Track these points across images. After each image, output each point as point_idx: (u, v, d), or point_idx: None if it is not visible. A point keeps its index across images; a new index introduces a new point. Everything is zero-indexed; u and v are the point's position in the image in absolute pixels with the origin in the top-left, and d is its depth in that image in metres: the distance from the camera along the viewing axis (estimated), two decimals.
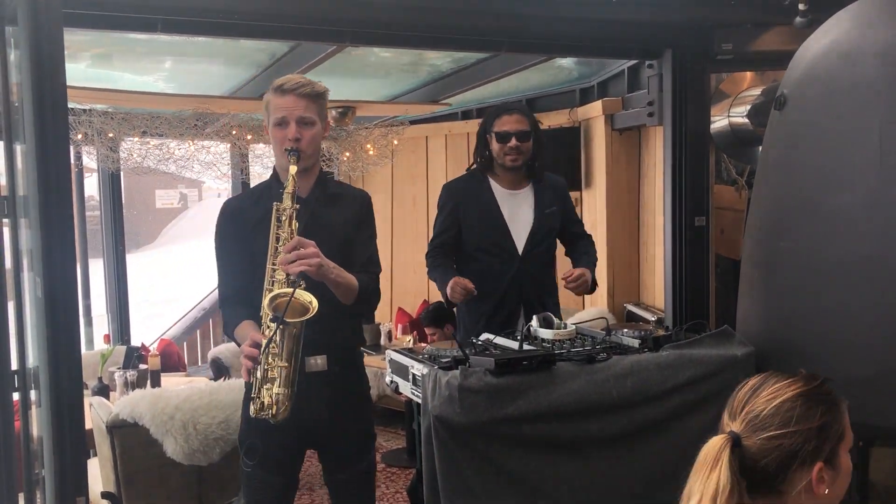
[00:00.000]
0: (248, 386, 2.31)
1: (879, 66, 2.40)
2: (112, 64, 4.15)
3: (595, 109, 4.95)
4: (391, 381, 2.69)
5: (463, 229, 3.21)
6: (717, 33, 3.79)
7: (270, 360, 2.11)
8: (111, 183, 5.76)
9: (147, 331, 7.87)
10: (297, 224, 2.21)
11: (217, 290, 2.43)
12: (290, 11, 3.06)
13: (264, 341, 2.09)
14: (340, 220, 2.35)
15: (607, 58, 4.38)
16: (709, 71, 3.95)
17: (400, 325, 5.78)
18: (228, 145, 4.79)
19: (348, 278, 2.28)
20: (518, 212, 3.20)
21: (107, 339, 4.66)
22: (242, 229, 2.35)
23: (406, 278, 6.54)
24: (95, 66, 4.14)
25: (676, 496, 2.51)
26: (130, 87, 4.41)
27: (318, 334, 2.23)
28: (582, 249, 3.38)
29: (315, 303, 2.13)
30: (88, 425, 3.23)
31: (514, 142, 3.16)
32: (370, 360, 5.53)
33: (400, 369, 2.61)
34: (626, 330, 2.77)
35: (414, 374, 2.49)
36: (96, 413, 3.17)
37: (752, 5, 3.62)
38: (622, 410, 2.40)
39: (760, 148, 3.09)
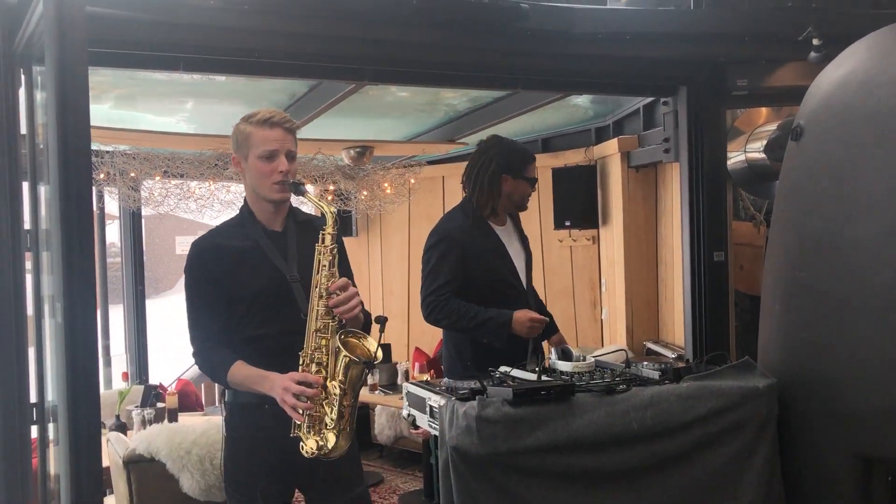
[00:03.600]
0: (237, 423, 2.31)
1: None
2: (135, 105, 4.23)
3: (611, 147, 4.98)
4: (408, 415, 2.66)
5: (469, 273, 3.07)
6: (731, 69, 3.82)
7: (345, 401, 2.17)
8: (132, 226, 5.83)
9: (165, 374, 7.91)
10: (335, 267, 2.23)
11: (192, 336, 2.34)
12: (310, 50, 3.12)
13: (339, 383, 2.15)
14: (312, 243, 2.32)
15: (622, 95, 4.42)
16: (724, 107, 3.98)
17: (417, 364, 5.76)
18: None
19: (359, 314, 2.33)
20: (515, 248, 3.22)
21: (125, 377, 4.67)
22: (219, 267, 2.30)
23: (422, 319, 6.52)
24: (118, 108, 4.23)
25: None
26: (152, 128, 4.49)
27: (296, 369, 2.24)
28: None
29: (380, 352, 2.21)
30: (106, 463, 3.23)
31: (535, 187, 3.27)
32: (387, 400, 5.51)
33: (417, 402, 2.59)
34: (645, 363, 2.74)
35: (431, 406, 2.47)
36: (113, 448, 3.16)
37: (766, 41, 3.65)
38: (643, 443, 2.36)
39: (777, 182, 3.08)
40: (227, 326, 2.30)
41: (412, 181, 5.62)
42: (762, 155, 3.99)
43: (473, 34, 3.24)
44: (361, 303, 2.32)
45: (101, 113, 4.21)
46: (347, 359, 2.14)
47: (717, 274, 3.94)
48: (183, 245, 26.96)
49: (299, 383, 2.14)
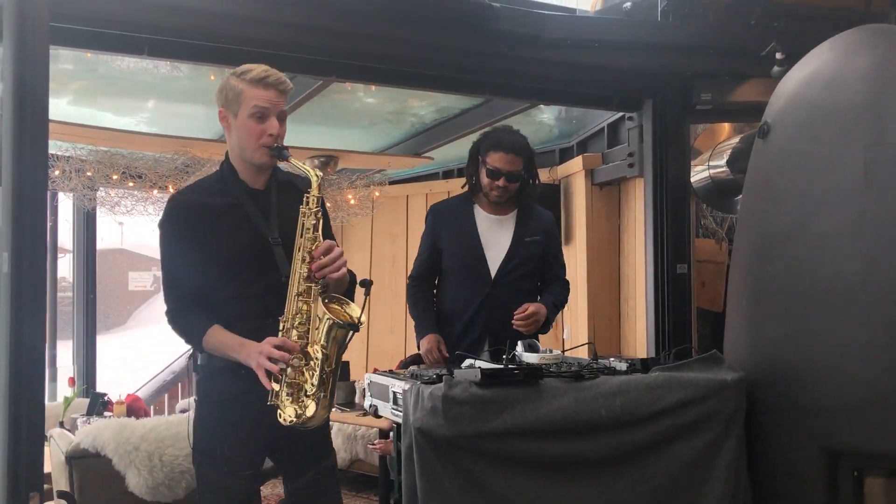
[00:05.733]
0: (210, 388, 2.22)
1: (861, 91, 2.44)
2: (94, 102, 4.13)
3: (575, 165, 4.99)
4: (370, 405, 2.59)
5: (442, 251, 3.19)
6: (696, 84, 3.88)
7: (326, 366, 2.07)
8: (86, 227, 5.64)
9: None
10: (322, 229, 2.15)
11: (167, 295, 2.23)
12: (279, 38, 3.08)
13: (321, 348, 2.06)
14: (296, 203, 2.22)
15: (590, 107, 4.44)
16: (688, 121, 4.03)
17: None
18: None
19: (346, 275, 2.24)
20: (497, 237, 3.15)
21: (71, 381, 4.47)
22: (197, 224, 2.20)
23: (382, 338, 6.43)
24: (77, 104, 4.13)
25: None
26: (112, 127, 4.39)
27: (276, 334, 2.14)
28: (549, 291, 3.33)
29: (363, 317, 2.12)
30: (47, 469, 3.06)
31: (503, 181, 3.11)
32: (344, 417, 5.37)
33: (380, 391, 2.52)
34: (612, 358, 2.70)
35: (395, 393, 2.40)
36: (56, 445, 3.01)
37: (730, 55, 3.72)
38: (611, 431, 2.31)
39: (745, 180, 3.10)
40: (203, 286, 2.20)
41: (376, 194, 5.57)
42: (726, 169, 4.04)
43: (444, 31, 3.24)
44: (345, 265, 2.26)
45: (59, 109, 4.09)
46: (331, 322, 2.05)
47: (680, 286, 3.95)
48: (136, 281, 26.39)
49: (278, 349, 2.05)
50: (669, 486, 2.38)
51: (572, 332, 5.17)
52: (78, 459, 2.85)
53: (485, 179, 3.12)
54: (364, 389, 2.76)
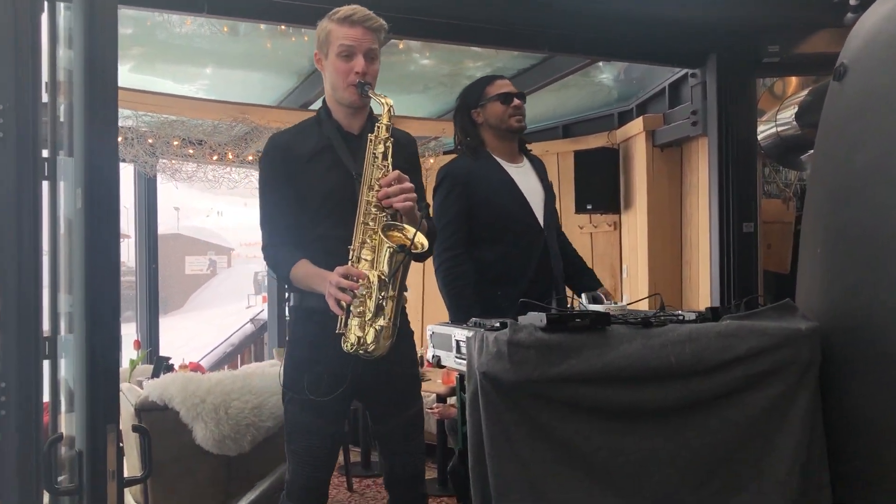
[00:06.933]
0: (301, 328, 2.27)
1: None
2: (154, 69, 4.18)
3: (636, 127, 4.89)
4: (433, 357, 2.57)
5: (476, 212, 2.93)
6: (762, 35, 3.75)
7: (384, 292, 2.08)
8: (147, 227, 5.69)
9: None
10: (391, 158, 2.16)
11: (262, 230, 2.31)
12: None
13: (379, 274, 2.07)
14: (394, 160, 2.23)
15: (651, 62, 4.33)
16: (755, 75, 3.91)
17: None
18: None
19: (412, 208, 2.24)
20: (530, 185, 3.03)
21: (137, 344, 4.57)
22: (292, 165, 2.25)
23: (438, 306, 6.43)
24: (139, 71, 4.18)
25: (737, 479, 2.34)
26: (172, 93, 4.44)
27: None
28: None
29: (426, 242, 2.12)
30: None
31: (516, 101, 3.00)
32: None
33: (442, 341, 2.50)
34: (679, 311, 2.63)
35: (458, 341, 2.37)
36: (125, 399, 3.07)
37: (799, 3, 3.58)
38: (681, 379, 2.25)
39: (810, 152, 2.99)
40: (296, 224, 2.26)
41: (431, 161, 5.55)
42: (794, 124, 3.91)
43: None
44: (426, 210, 2.27)
45: (122, 76, 4.14)
46: (388, 247, 2.06)
47: (745, 245, 3.84)
48: (193, 265, 26.98)
49: (346, 277, 2.07)
50: (739, 436, 2.32)
51: (632, 298, 5.08)
52: (147, 412, 2.91)
53: (497, 110, 2.97)
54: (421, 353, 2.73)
